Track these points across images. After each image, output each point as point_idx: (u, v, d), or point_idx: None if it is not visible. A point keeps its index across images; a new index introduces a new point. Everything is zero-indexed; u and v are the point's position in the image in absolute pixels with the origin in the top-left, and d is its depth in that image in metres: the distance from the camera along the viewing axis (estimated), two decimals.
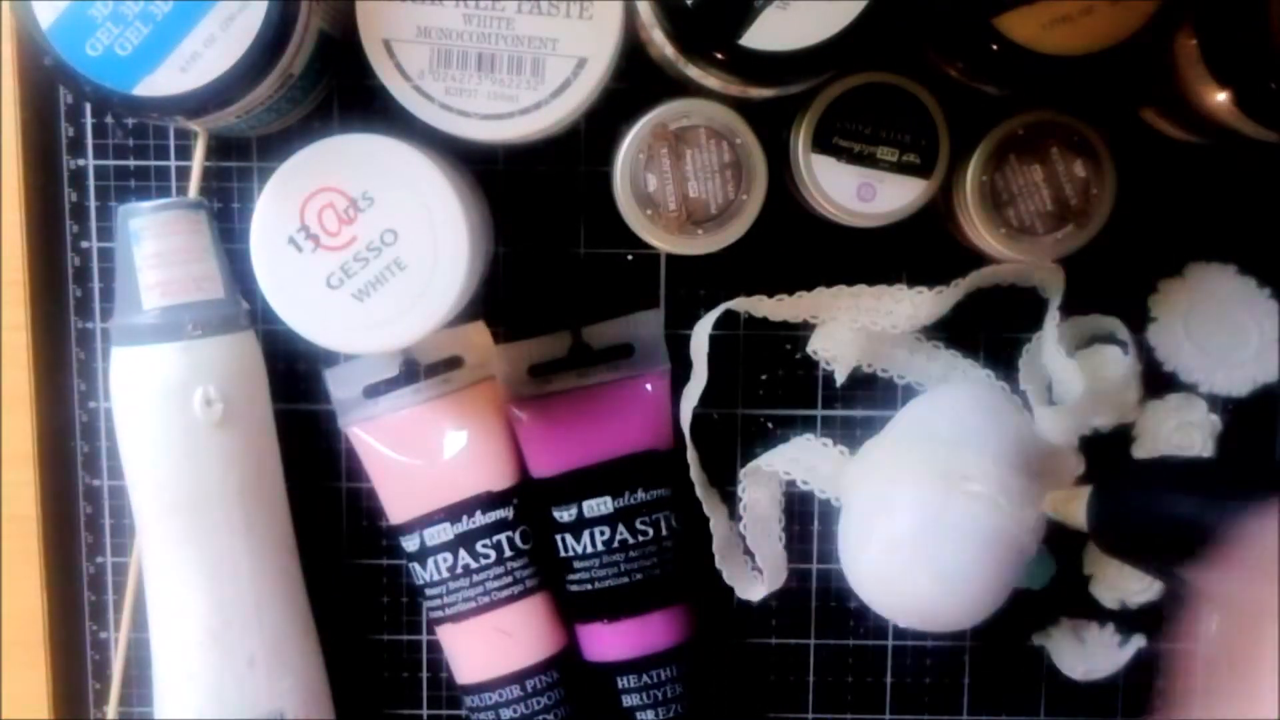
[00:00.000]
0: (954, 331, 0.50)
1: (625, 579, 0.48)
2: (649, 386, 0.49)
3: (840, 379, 0.50)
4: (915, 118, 0.44)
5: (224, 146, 0.49)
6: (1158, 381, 0.50)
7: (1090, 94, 0.46)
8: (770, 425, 0.51)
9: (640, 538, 0.48)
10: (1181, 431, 0.49)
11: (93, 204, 0.50)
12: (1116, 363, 0.49)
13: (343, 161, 0.42)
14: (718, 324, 0.50)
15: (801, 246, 0.50)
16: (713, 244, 0.45)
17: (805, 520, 0.52)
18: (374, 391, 0.49)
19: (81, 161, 0.49)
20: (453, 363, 0.50)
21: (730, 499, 0.51)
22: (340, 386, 0.50)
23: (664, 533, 0.49)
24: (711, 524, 0.49)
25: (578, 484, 0.48)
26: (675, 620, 0.49)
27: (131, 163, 0.49)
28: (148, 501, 0.46)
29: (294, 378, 0.50)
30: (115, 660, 0.51)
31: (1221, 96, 0.41)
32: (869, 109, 0.44)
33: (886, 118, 0.44)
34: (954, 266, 0.49)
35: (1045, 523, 0.45)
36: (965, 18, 0.42)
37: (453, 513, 0.48)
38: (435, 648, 0.51)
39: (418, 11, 0.41)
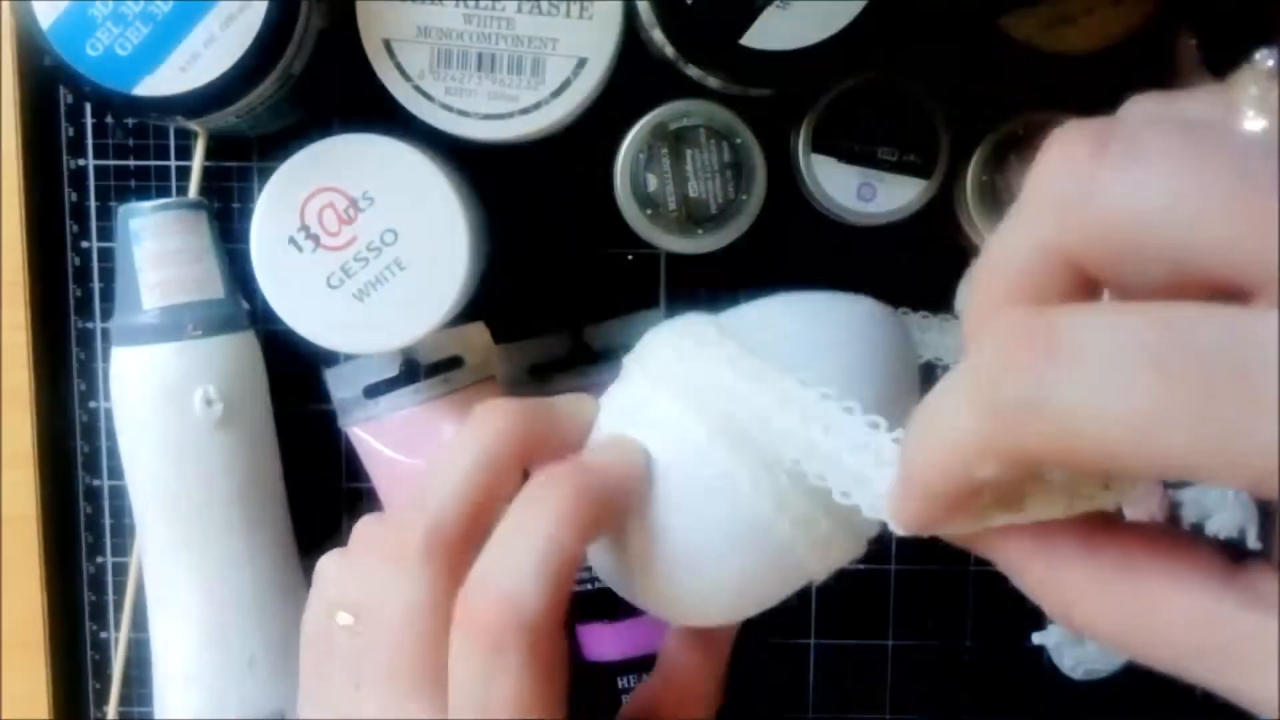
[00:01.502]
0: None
1: None
2: None
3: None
4: (915, 117, 0.44)
5: (224, 146, 0.49)
6: None
7: (1090, 94, 0.46)
8: None
9: None
10: None
11: (93, 204, 0.50)
12: None
13: (343, 161, 0.42)
14: None
15: (801, 246, 0.50)
16: (713, 244, 0.45)
17: None
18: (374, 391, 0.49)
19: (81, 161, 0.49)
20: (453, 363, 0.50)
21: None
22: (340, 386, 0.50)
23: None
24: None
25: None
26: None
27: (132, 163, 0.49)
28: (148, 501, 0.46)
29: (294, 378, 0.50)
30: (115, 660, 0.51)
31: None
32: (869, 109, 0.44)
33: (887, 117, 0.44)
34: (954, 266, 0.49)
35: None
36: (965, 18, 0.42)
37: None
38: None
39: (418, 11, 0.41)
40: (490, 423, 0.29)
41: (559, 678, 0.27)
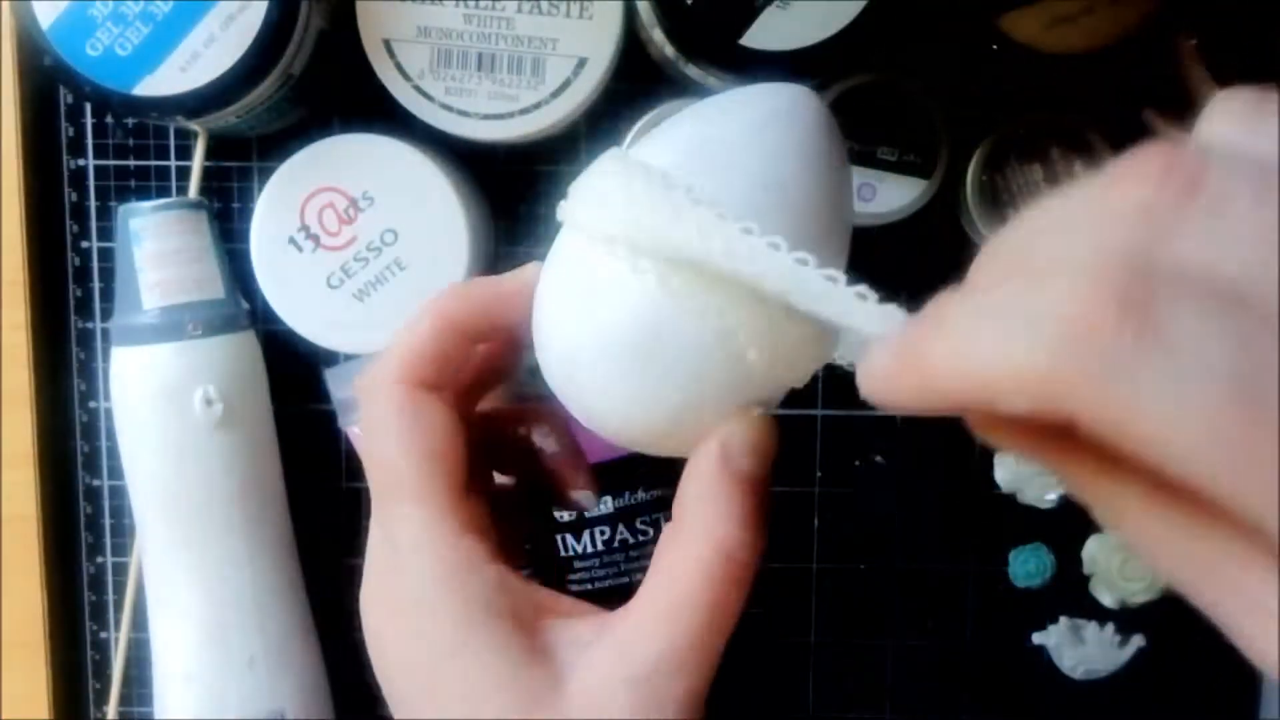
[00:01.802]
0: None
1: (625, 579, 0.48)
2: None
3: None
4: (915, 117, 0.44)
5: (224, 146, 0.49)
6: None
7: (1090, 94, 0.46)
8: None
9: (640, 538, 0.48)
10: None
11: (93, 204, 0.50)
12: None
13: (343, 161, 0.42)
14: None
15: None
16: None
17: (805, 519, 0.52)
18: None
19: (81, 161, 0.49)
20: None
21: None
22: (340, 386, 0.50)
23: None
24: None
25: None
26: None
27: (132, 163, 0.49)
28: (148, 501, 0.46)
29: (294, 378, 0.50)
30: (115, 660, 0.51)
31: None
32: (869, 108, 0.44)
33: (886, 117, 0.44)
34: (955, 267, 0.49)
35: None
36: (965, 18, 0.42)
37: None
38: None
39: (418, 11, 0.41)
40: (437, 298, 0.32)
41: (415, 440, 0.29)
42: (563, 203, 0.30)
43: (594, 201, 0.28)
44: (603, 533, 0.48)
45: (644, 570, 0.41)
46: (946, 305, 0.21)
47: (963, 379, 0.19)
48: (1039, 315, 0.18)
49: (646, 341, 0.28)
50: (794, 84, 0.30)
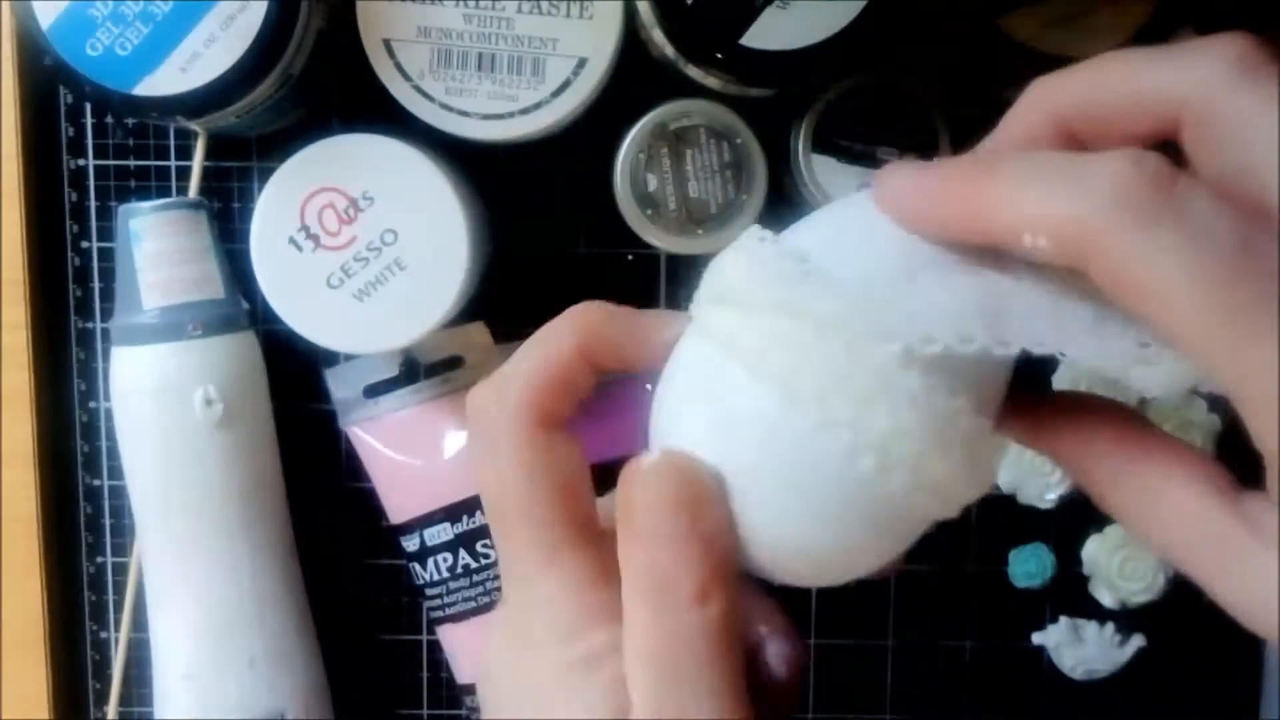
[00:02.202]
0: None
1: None
2: (649, 386, 0.49)
3: None
4: (915, 117, 0.44)
5: (224, 146, 0.49)
6: None
7: None
8: None
9: None
10: (1181, 431, 0.49)
11: (93, 204, 0.50)
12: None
13: (343, 161, 0.42)
14: None
15: None
16: (713, 244, 0.45)
17: None
18: (374, 391, 0.49)
19: (82, 161, 0.49)
20: (453, 362, 0.50)
21: None
22: (340, 386, 0.50)
23: None
24: None
25: None
26: None
27: (132, 163, 0.49)
28: (148, 502, 0.46)
29: (294, 378, 0.50)
30: (115, 660, 0.51)
31: None
32: (869, 108, 0.44)
33: (886, 117, 0.44)
34: None
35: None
36: (965, 18, 0.42)
37: (453, 513, 0.48)
38: (436, 647, 0.51)
39: (418, 11, 0.41)
40: (570, 316, 0.30)
41: (546, 477, 0.27)
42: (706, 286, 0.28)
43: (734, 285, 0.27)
44: None
45: None
46: (1001, 156, 0.24)
47: (1004, 213, 0.22)
48: (1083, 175, 0.21)
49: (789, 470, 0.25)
50: None
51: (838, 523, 0.26)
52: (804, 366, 0.25)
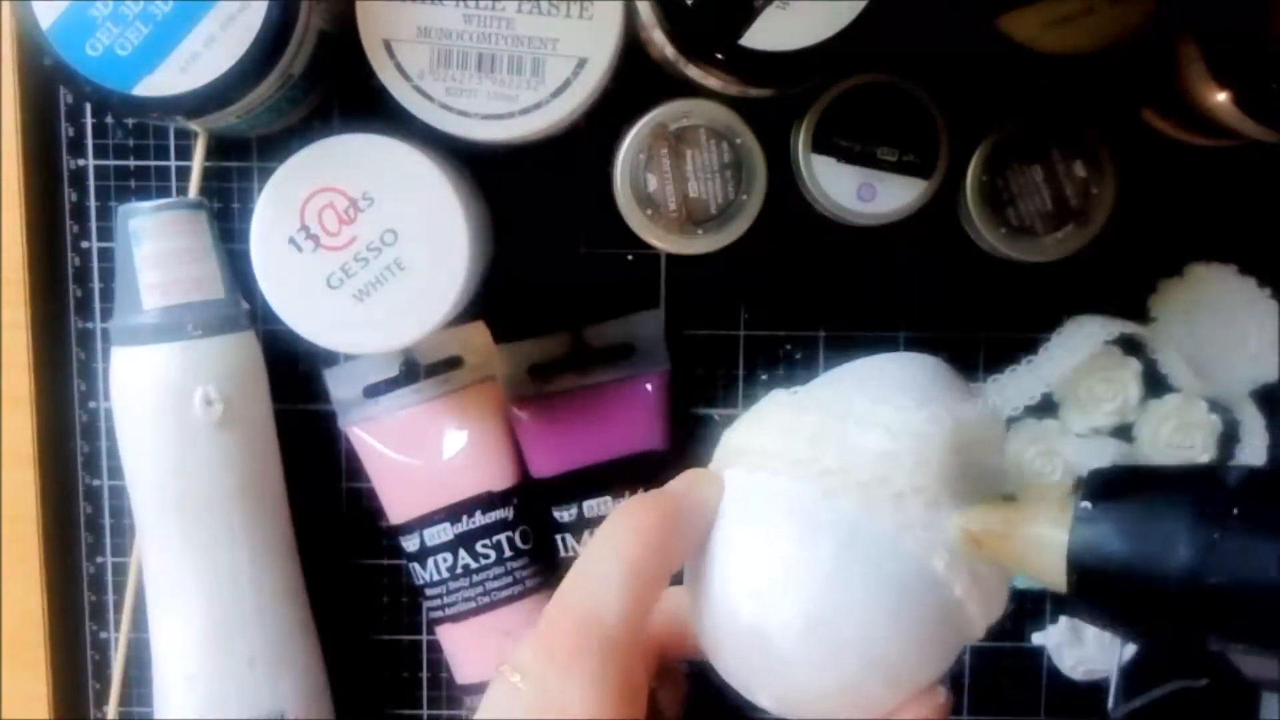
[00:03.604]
0: (953, 333, 0.50)
1: None
2: (649, 386, 0.49)
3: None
4: (915, 117, 0.44)
5: (224, 146, 0.49)
6: (1157, 382, 0.50)
7: (1090, 94, 0.46)
8: None
9: None
10: (1182, 432, 0.49)
11: (93, 204, 0.50)
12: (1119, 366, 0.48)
13: (343, 162, 0.42)
14: (717, 324, 0.50)
15: (801, 246, 0.50)
16: (713, 244, 0.45)
17: None
18: (374, 391, 0.49)
19: (82, 161, 0.49)
20: (453, 363, 0.50)
21: None
22: (340, 387, 0.50)
23: None
24: None
25: (578, 484, 0.48)
26: None
27: (131, 163, 0.49)
28: (148, 502, 0.46)
29: (294, 378, 0.50)
30: (115, 660, 0.51)
31: (1221, 96, 0.41)
32: (869, 108, 0.44)
33: (886, 117, 0.44)
34: (954, 267, 0.49)
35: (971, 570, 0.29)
36: (965, 18, 0.42)
37: (453, 513, 0.48)
38: (435, 648, 0.51)
39: (418, 12, 0.41)
40: (647, 542, 0.29)
41: (637, 701, 0.27)
42: (729, 440, 0.31)
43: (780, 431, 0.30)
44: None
45: None
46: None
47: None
48: None
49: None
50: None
51: (901, 623, 0.27)
52: (880, 475, 0.28)
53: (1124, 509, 0.25)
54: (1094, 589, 0.26)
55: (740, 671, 0.30)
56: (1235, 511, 0.24)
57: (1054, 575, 0.26)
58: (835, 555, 0.27)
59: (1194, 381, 0.49)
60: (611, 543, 0.29)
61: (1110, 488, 0.26)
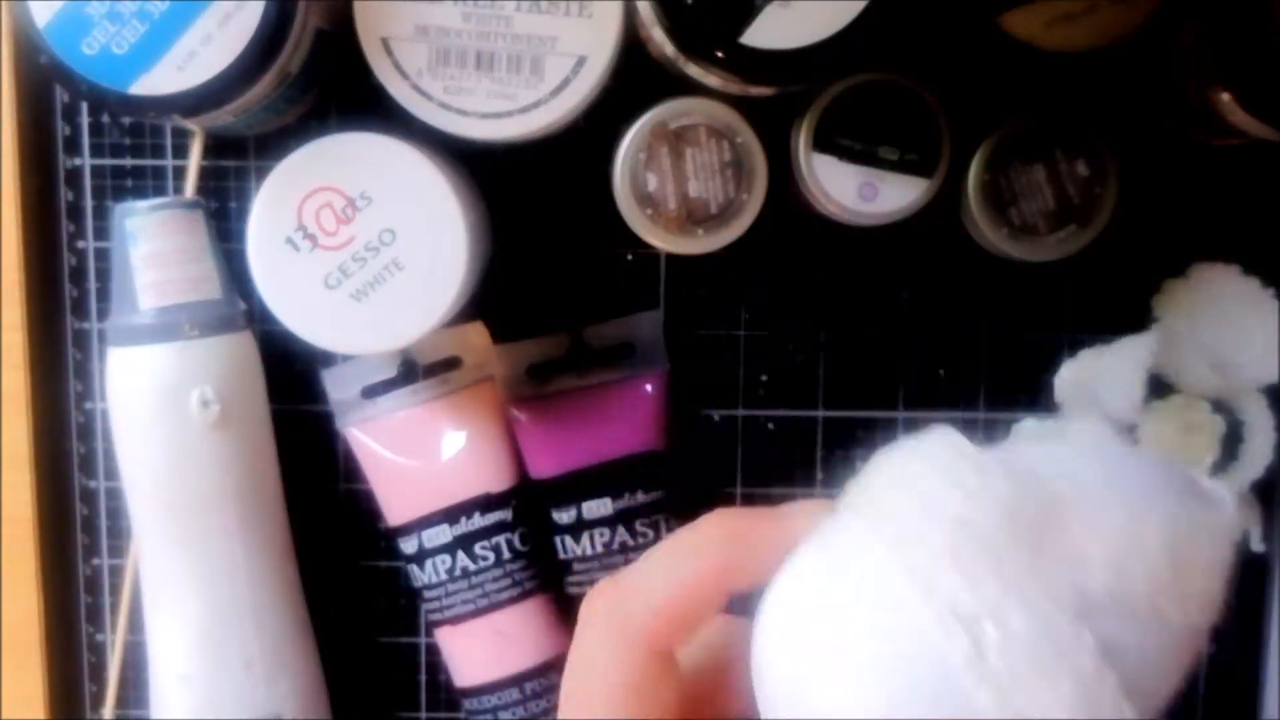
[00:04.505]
0: (954, 333, 0.50)
1: None
2: (649, 387, 0.49)
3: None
4: (917, 116, 0.44)
5: (221, 146, 0.49)
6: (1161, 382, 0.50)
7: (1093, 93, 0.46)
8: (771, 426, 0.51)
9: (640, 539, 0.48)
10: (1185, 433, 0.49)
11: (89, 203, 0.49)
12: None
13: (340, 161, 0.41)
14: (717, 324, 0.50)
15: (802, 246, 0.50)
16: (713, 244, 0.45)
17: None
18: (372, 392, 0.49)
19: (78, 161, 0.49)
20: (451, 363, 0.50)
21: (729, 501, 0.51)
22: (338, 387, 0.49)
23: (664, 535, 0.49)
24: None
25: (577, 485, 0.48)
26: None
27: (128, 162, 0.49)
28: (144, 503, 0.45)
29: (291, 378, 0.50)
30: (112, 662, 0.51)
31: (1225, 95, 0.41)
32: (870, 108, 0.44)
33: (888, 116, 0.44)
34: (955, 267, 0.49)
35: None
36: (965, 17, 0.42)
37: (451, 514, 0.48)
38: (434, 650, 0.51)
39: (416, 10, 0.41)
40: (711, 530, 0.28)
41: (662, 697, 0.26)
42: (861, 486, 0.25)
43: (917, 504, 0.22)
44: (602, 535, 0.48)
45: None
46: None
47: None
48: None
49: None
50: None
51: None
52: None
53: None
54: None
55: None
56: None
57: None
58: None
59: (1200, 380, 0.48)
60: (683, 539, 0.28)
61: None
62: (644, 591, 0.27)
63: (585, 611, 0.28)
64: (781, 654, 0.24)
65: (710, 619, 0.28)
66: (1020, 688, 0.21)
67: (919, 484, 0.23)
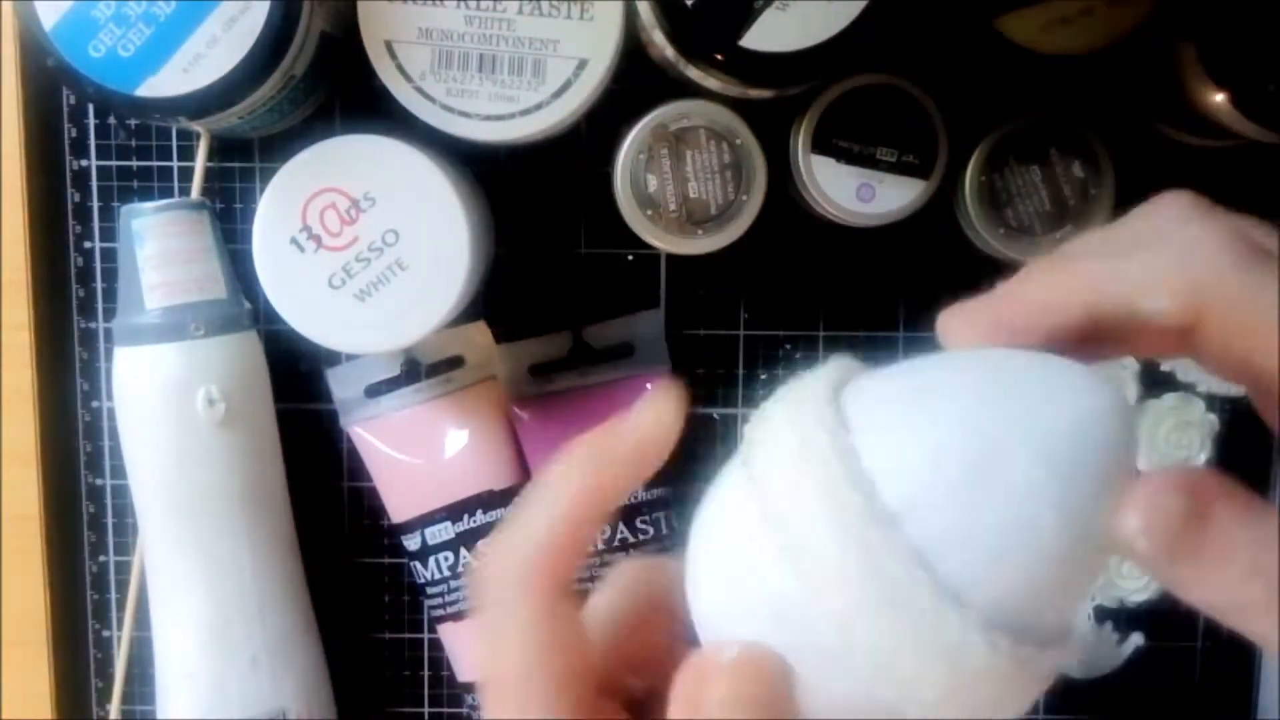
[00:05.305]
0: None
1: None
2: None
3: None
4: (914, 118, 0.44)
5: (226, 147, 0.49)
6: (1155, 381, 0.50)
7: (1089, 95, 0.46)
8: None
9: (640, 537, 0.48)
10: (1179, 431, 0.49)
11: (95, 204, 0.50)
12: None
13: (344, 162, 0.42)
14: (717, 324, 0.50)
15: (801, 246, 0.50)
16: (713, 244, 0.45)
17: None
18: (376, 391, 0.50)
19: (84, 162, 0.49)
20: (454, 362, 0.50)
21: None
22: (342, 386, 0.50)
23: (664, 532, 0.49)
24: None
25: None
26: None
27: (134, 163, 0.49)
28: (150, 501, 0.46)
29: (296, 377, 0.50)
30: (118, 659, 0.51)
31: (1219, 97, 0.41)
32: (868, 109, 0.44)
33: (886, 118, 0.44)
34: (954, 267, 0.49)
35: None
36: (965, 18, 0.42)
37: (454, 512, 0.48)
38: (437, 646, 0.51)
39: (419, 13, 0.41)
40: (569, 464, 0.27)
41: (560, 640, 0.26)
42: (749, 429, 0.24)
43: (774, 452, 0.22)
44: (603, 532, 0.48)
45: None
46: (1086, 242, 0.27)
47: (1114, 285, 0.25)
48: (1189, 243, 0.25)
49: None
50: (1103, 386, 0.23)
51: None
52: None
53: None
54: None
55: None
56: None
57: None
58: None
59: (1194, 378, 0.49)
60: (550, 485, 0.27)
61: None
62: (521, 530, 0.26)
63: (476, 578, 0.27)
64: (689, 580, 0.25)
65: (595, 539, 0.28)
66: (831, 589, 0.21)
67: (777, 416, 0.23)
